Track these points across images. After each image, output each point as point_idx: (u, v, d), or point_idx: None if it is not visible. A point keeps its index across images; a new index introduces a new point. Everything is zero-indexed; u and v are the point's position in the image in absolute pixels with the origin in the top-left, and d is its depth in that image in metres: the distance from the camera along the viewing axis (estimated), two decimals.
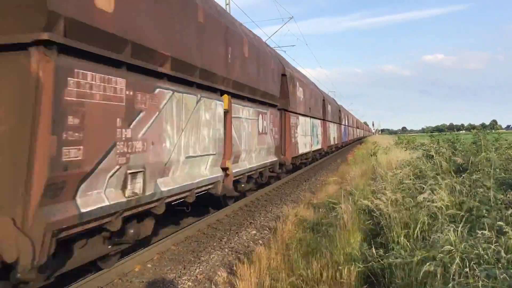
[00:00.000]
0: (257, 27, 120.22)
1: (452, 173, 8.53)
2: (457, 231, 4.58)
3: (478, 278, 3.47)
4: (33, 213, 4.00)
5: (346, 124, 48.35)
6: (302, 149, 18.43)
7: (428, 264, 3.93)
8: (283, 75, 15.37)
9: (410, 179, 8.82)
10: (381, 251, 4.97)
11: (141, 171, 5.73)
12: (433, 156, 11.61)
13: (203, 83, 7.94)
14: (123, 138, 5.28)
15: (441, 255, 3.98)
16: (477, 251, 3.89)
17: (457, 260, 3.81)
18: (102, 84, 4.84)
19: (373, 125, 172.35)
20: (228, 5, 23.48)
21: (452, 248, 4.05)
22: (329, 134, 29.59)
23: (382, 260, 4.76)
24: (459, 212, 5.61)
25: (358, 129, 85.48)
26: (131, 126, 5.45)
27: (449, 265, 3.85)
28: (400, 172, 9.88)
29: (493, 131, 18.05)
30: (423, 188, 7.23)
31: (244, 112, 10.73)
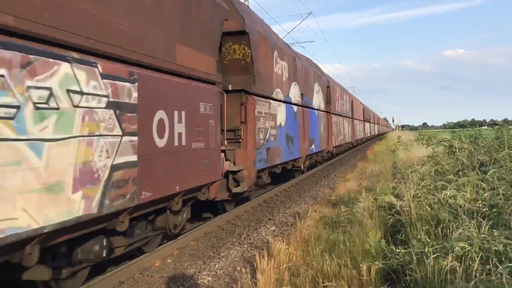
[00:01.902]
0: (276, 23, 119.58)
1: (476, 169, 8.37)
2: (479, 227, 4.52)
3: (501, 275, 3.42)
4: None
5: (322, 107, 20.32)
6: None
7: (443, 259, 3.89)
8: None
9: (432, 175, 8.72)
10: (401, 248, 4.92)
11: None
12: (454, 152, 11.45)
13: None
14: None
15: (458, 248, 3.93)
16: (496, 248, 3.83)
17: (474, 255, 3.75)
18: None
19: (393, 121, 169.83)
20: (247, 1, 23.41)
21: (466, 243, 4.00)
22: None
23: (402, 256, 4.72)
24: (481, 209, 5.53)
25: (368, 124, 53.10)
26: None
27: (470, 262, 3.79)
28: (421, 168, 9.77)
29: None
30: (445, 184, 7.14)
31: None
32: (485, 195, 6.02)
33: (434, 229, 5.46)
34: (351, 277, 4.83)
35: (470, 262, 3.80)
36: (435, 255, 4.14)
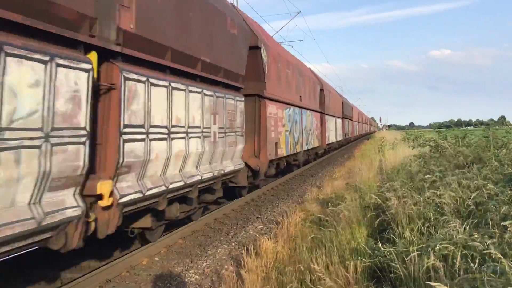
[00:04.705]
0: (265, 22, 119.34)
1: (460, 168, 8.48)
2: (464, 226, 4.57)
3: (485, 273, 3.46)
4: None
5: None
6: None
7: (427, 258, 3.93)
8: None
9: (418, 174, 8.80)
10: (387, 246, 4.96)
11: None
12: (441, 151, 11.57)
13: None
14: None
15: (440, 247, 3.97)
16: (478, 246, 3.88)
17: (457, 254, 3.80)
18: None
19: (380, 120, 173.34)
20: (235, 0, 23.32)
21: (448, 242, 4.04)
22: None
23: (387, 255, 4.75)
24: (466, 207, 5.60)
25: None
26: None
27: (454, 260, 3.84)
28: (407, 167, 9.86)
29: (503, 127, 17.84)
30: (431, 183, 7.21)
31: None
32: (470, 194, 6.10)
33: (421, 228, 5.51)
34: (338, 274, 4.85)
35: (454, 261, 3.85)
36: (416, 253, 4.19)
